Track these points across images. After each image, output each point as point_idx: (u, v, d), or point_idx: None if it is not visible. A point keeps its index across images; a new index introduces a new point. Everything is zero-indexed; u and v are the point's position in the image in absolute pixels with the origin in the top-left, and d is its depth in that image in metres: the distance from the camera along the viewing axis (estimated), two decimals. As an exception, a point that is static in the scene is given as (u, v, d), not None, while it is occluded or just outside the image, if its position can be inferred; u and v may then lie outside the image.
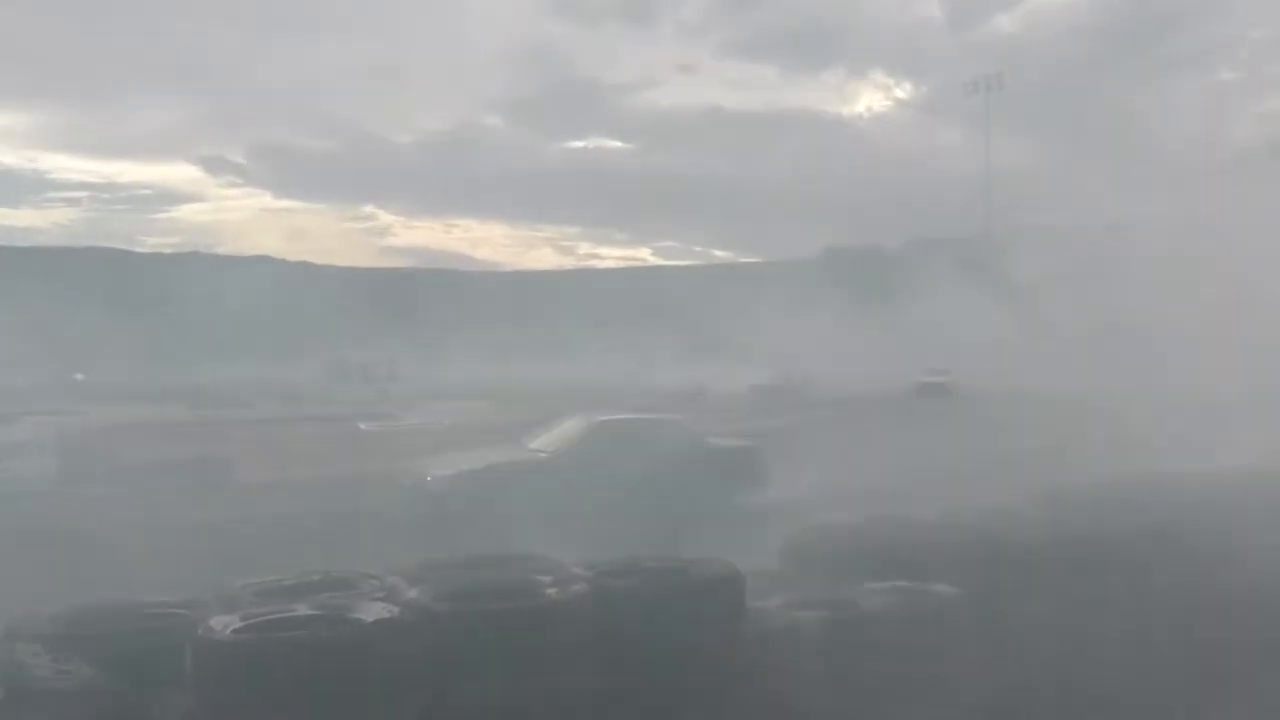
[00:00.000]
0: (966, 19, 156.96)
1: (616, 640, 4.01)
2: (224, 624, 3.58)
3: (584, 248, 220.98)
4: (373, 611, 3.72)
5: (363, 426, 24.40)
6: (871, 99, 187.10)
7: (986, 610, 5.20)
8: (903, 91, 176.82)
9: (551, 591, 4.02)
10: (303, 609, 3.86)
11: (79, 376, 56.24)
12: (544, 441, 15.70)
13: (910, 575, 5.40)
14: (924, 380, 42.33)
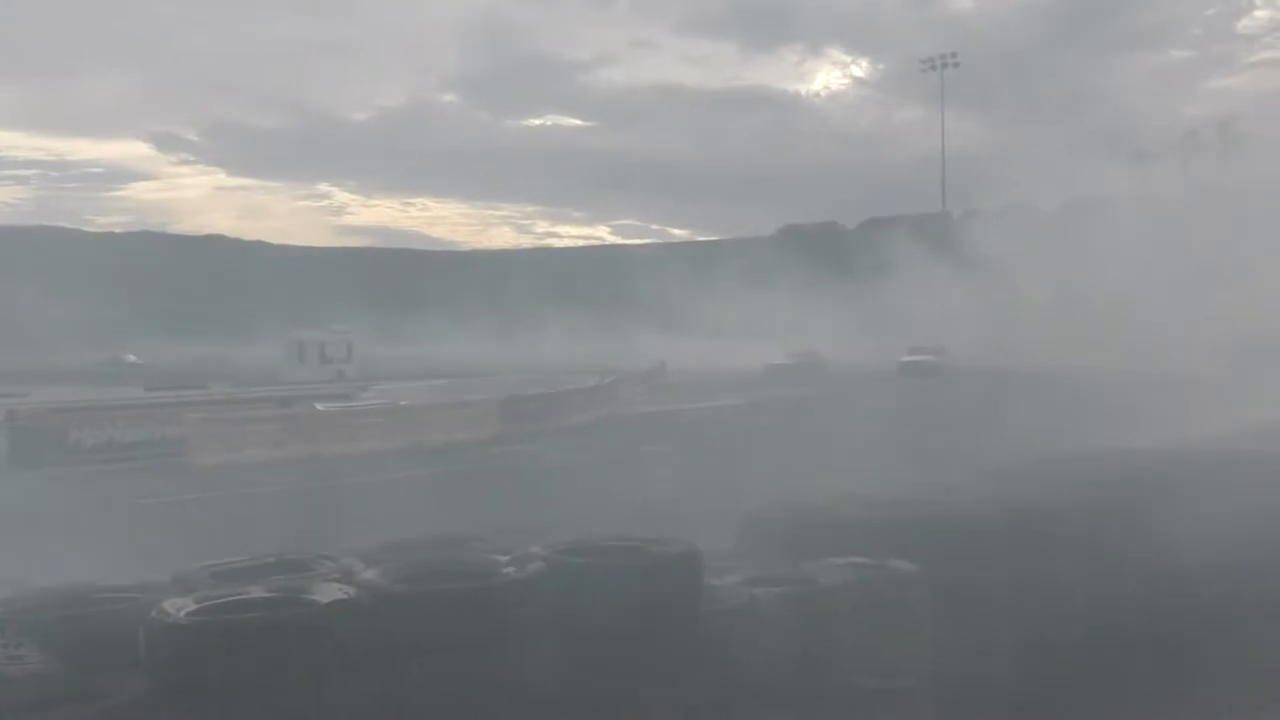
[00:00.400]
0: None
1: (574, 619, 4.00)
2: (178, 606, 3.53)
3: (542, 226, 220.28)
4: (328, 593, 3.68)
5: (320, 407, 24.24)
6: (829, 77, 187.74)
7: (943, 584, 5.24)
8: (860, 69, 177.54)
9: (509, 570, 4.00)
10: (257, 591, 3.82)
11: (132, 358, 55.48)
12: None
13: (869, 551, 5.45)
14: (909, 359, 43.31)
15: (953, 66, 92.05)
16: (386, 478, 16.47)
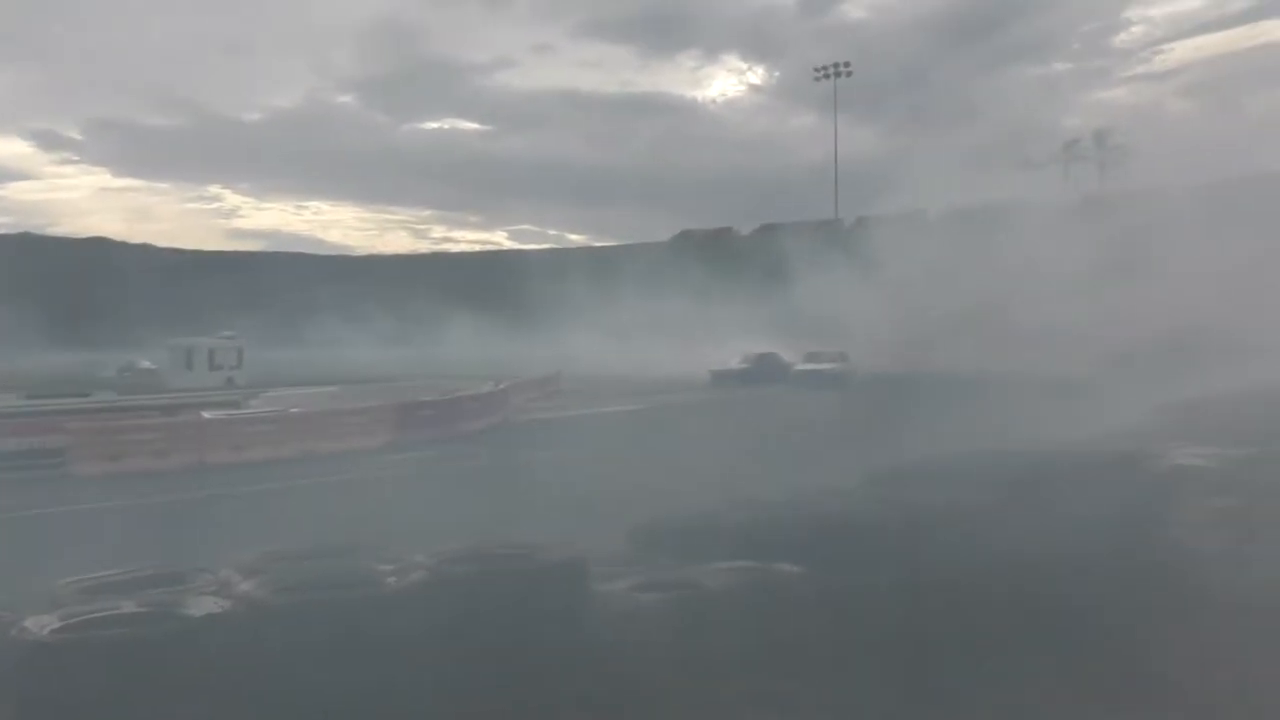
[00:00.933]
0: (817, 6, 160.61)
1: (459, 627, 3.97)
2: (41, 624, 3.41)
3: (438, 231, 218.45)
4: (202, 606, 3.59)
5: (206, 415, 23.63)
6: (726, 83, 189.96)
7: (828, 586, 5.33)
8: (756, 76, 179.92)
9: (391, 580, 3.95)
10: (129, 606, 3.71)
11: (146, 364, 53.30)
12: None
13: (755, 555, 5.51)
14: (807, 368, 42.31)
15: (846, 75, 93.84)
16: (274, 487, 16.13)
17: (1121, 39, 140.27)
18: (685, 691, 4.53)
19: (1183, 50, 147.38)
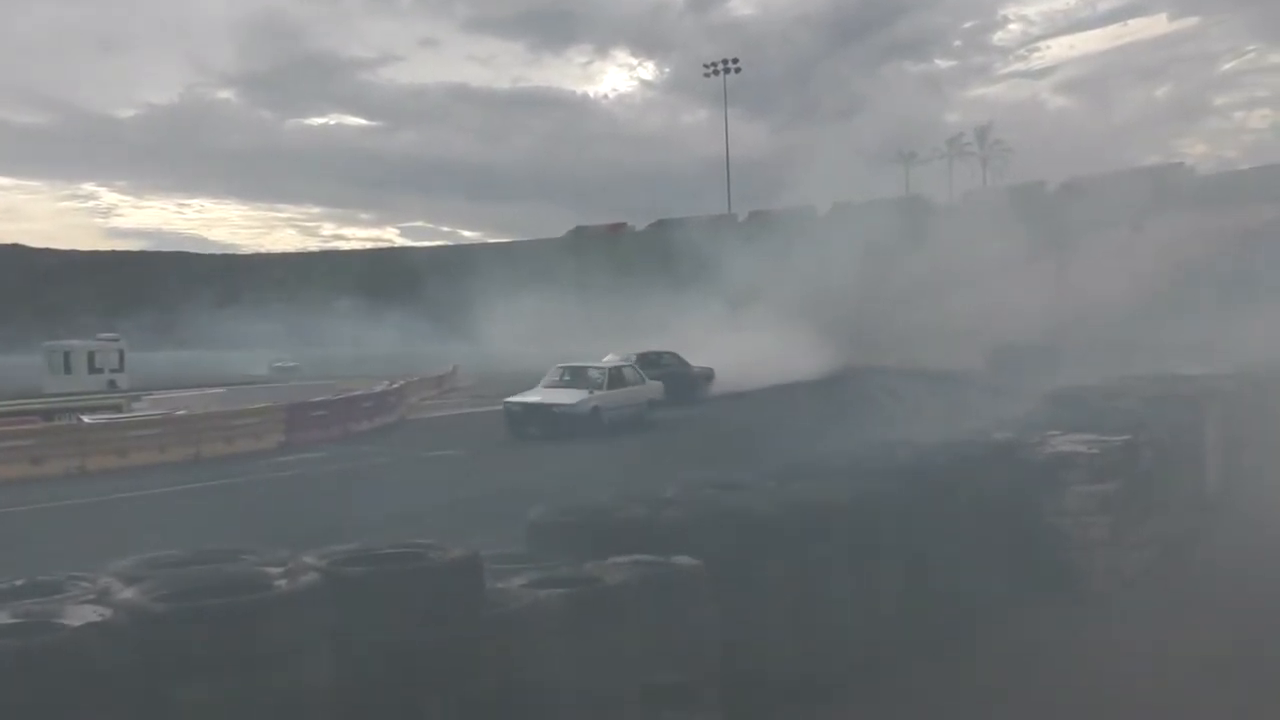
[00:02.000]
0: (704, 1, 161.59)
1: (352, 630, 3.89)
2: (-95, 639, 3.25)
3: (328, 228, 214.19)
4: (80, 615, 3.45)
5: (86, 419, 22.85)
6: (617, 79, 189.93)
7: (724, 578, 5.37)
8: (647, 72, 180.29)
9: (281, 583, 3.85)
10: (2, 617, 3.55)
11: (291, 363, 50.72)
12: None
13: (653, 549, 5.52)
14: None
15: (735, 71, 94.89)
16: (157, 492, 15.68)
17: (1000, 36, 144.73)
18: (585, 688, 4.52)
19: (1058, 48, 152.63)
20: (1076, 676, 6.98)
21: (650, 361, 29.89)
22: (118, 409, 26.60)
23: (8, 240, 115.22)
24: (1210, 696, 6.49)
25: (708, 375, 33.36)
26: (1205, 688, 6.63)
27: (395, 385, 30.77)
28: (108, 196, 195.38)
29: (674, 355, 32.76)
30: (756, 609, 5.79)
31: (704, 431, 23.69)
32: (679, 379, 30.14)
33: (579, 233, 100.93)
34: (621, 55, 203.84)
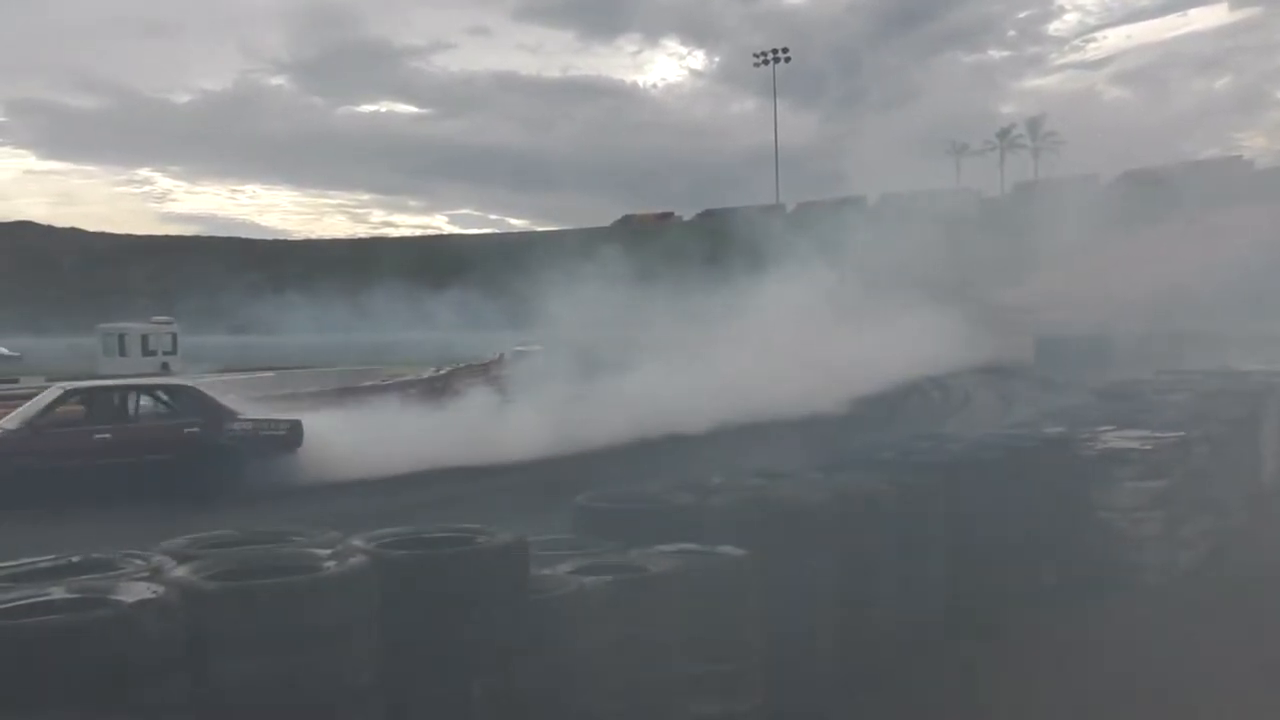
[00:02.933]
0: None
1: (399, 613, 3.92)
2: (-34, 612, 3.32)
3: (377, 215, 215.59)
4: (134, 592, 3.51)
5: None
6: (665, 68, 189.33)
7: (770, 569, 5.35)
8: (696, 61, 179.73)
9: (330, 565, 3.89)
10: (58, 593, 3.61)
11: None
12: None
13: (699, 538, 5.53)
14: None
15: (785, 61, 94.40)
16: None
17: (1055, 26, 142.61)
18: (629, 677, 4.54)
19: (1115, 38, 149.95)
20: (1119, 669, 6.92)
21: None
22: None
23: (65, 224, 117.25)
24: (1260, 696, 6.39)
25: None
26: (1255, 687, 6.53)
27: (443, 371, 30.96)
28: (162, 181, 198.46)
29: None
30: (801, 599, 5.76)
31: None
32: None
33: (626, 221, 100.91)
34: (671, 44, 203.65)
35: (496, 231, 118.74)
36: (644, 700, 4.66)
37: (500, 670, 4.11)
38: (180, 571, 3.83)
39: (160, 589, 3.58)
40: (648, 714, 4.68)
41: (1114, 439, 9.23)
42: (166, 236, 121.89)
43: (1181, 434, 9.55)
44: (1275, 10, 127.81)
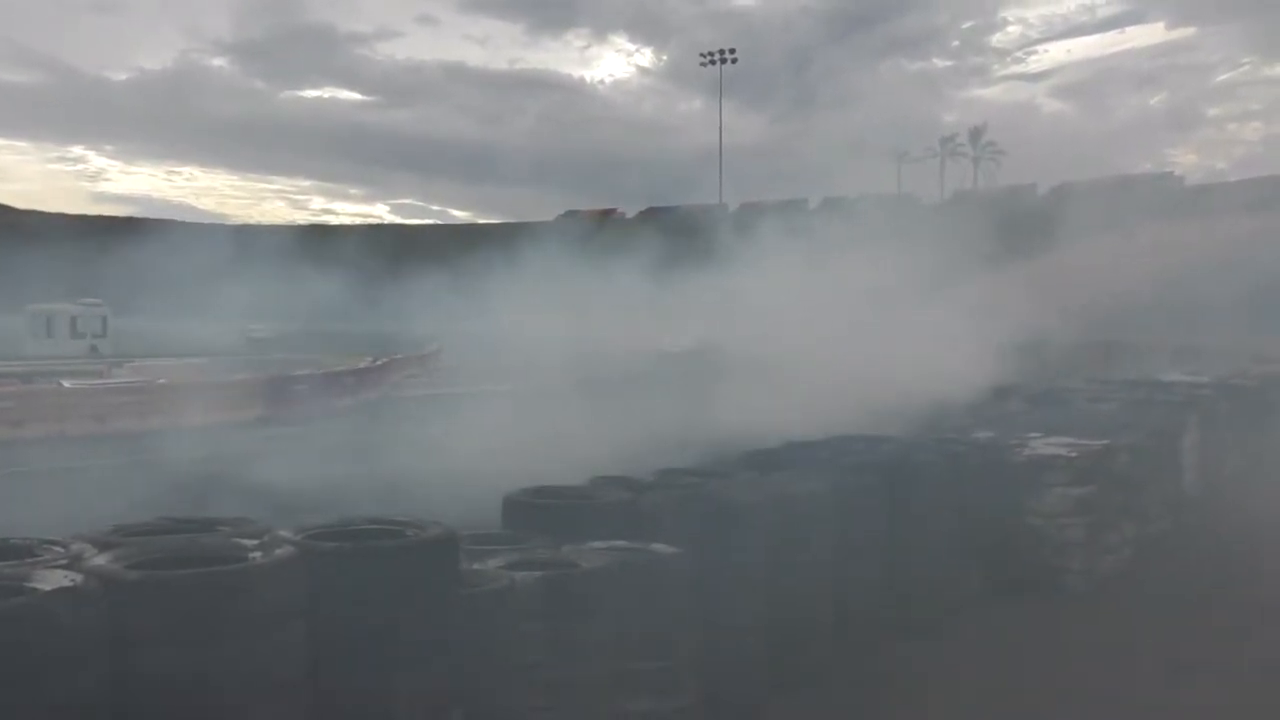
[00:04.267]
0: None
1: (326, 605, 3.87)
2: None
3: (318, 202, 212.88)
4: (51, 580, 3.42)
5: (67, 384, 22.71)
6: (614, 64, 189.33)
7: (703, 567, 5.37)
8: (644, 59, 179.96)
9: (256, 555, 3.83)
10: (-31, 579, 3.51)
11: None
12: None
13: (630, 534, 5.53)
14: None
15: (731, 62, 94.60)
16: (134, 459, 15.58)
17: (998, 38, 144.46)
18: (559, 672, 4.52)
19: (1056, 52, 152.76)
20: (1040, 670, 7.06)
21: None
22: (99, 375, 26.48)
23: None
24: (1173, 696, 6.55)
25: None
26: (1170, 687, 6.68)
27: (379, 363, 30.67)
28: (96, 160, 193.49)
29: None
30: (734, 597, 5.79)
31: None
32: None
33: (569, 216, 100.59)
34: (620, 40, 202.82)
35: (440, 223, 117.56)
36: (575, 697, 4.65)
37: (429, 665, 4.07)
38: (100, 560, 3.74)
39: (78, 577, 3.50)
40: (579, 711, 4.67)
41: (1041, 445, 9.38)
42: (100, 217, 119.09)
43: (1107, 442, 9.73)
44: (1210, 30, 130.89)
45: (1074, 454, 9.14)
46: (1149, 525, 10.50)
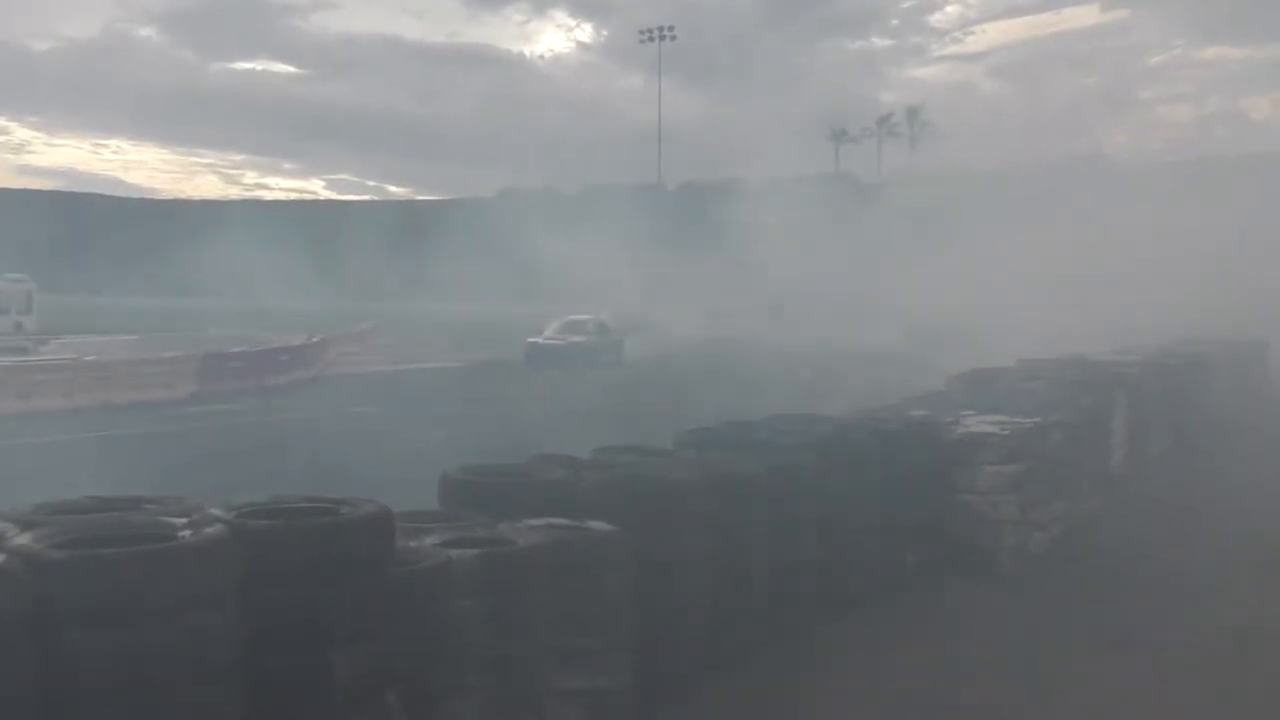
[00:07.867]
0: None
1: (257, 584, 3.81)
2: None
3: (250, 176, 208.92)
4: (-29, 560, 3.34)
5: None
6: (553, 39, 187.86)
7: (640, 545, 5.37)
8: (584, 34, 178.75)
9: (185, 534, 3.75)
10: (-113, 561, 3.41)
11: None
12: None
13: (569, 513, 5.52)
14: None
15: (670, 39, 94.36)
16: (63, 438, 15.28)
17: (937, 18, 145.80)
18: (495, 650, 4.51)
19: (993, 32, 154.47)
20: (973, 645, 7.18)
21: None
22: (24, 352, 25.86)
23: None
24: (1104, 669, 6.70)
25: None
26: (1100, 661, 6.84)
27: (314, 340, 30.30)
28: (20, 132, 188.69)
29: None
30: (671, 576, 5.80)
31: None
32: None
33: (506, 194, 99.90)
34: (560, 15, 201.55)
35: (376, 199, 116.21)
36: (511, 674, 4.64)
37: (363, 643, 4.03)
38: (23, 539, 3.65)
39: (0, 557, 3.41)
40: (514, 688, 4.66)
41: (974, 423, 9.51)
42: (23, 190, 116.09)
43: (1038, 420, 9.90)
44: (1142, 13, 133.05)
45: (1006, 431, 9.28)
46: (1079, 503, 10.72)
